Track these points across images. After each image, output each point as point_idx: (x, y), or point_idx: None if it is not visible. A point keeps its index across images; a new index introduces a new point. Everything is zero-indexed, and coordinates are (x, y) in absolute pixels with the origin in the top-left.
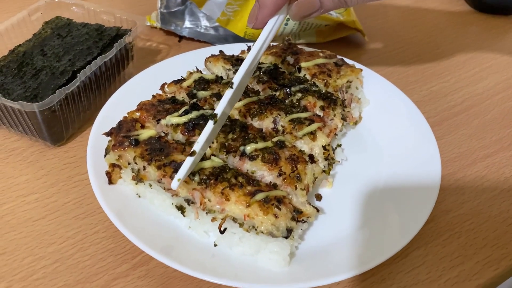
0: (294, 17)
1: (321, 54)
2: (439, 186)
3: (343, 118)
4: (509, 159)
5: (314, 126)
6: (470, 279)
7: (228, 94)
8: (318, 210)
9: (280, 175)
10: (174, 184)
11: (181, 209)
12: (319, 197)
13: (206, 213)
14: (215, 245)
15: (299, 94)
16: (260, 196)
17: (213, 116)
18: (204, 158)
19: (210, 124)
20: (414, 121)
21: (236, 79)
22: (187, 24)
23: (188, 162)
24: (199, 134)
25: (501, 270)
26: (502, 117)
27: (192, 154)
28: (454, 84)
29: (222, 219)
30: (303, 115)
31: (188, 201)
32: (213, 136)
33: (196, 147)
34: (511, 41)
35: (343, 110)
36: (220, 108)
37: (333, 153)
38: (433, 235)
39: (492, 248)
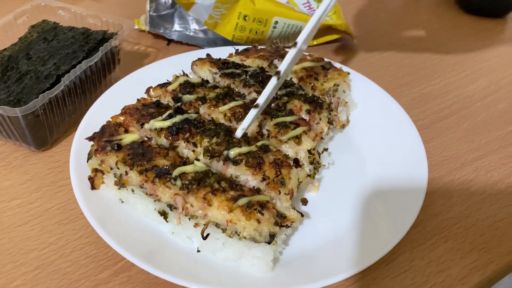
0: None
1: (308, 58)
2: (426, 190)
3: (330, 122)
4: (498, 162)
5: (299, 130)
6: (456, 284)
7: (291, 53)
8: (302, 215)
9: (264, 179)
10: (239, 132)
11: (163, 214)
12: (304, 202)
13: (189, 218)
14: (198, 251)
15: (285, 98)
16: (242, 201)
17: (277, 73)
18: (186, 162)
19: (273, 80)
20: (402, 125)
21: (300, 38)
22: (176, 27)
23: (252, 114)
24: (182, 139)
25: (488, 275)
26: (492, 120)
27: (256, 106)
28: (443, 86)
29: (204, 224)
30: (288, 119)
31: (171, 207)
32: (274, 92)
33: (260, 100)
34: (501, 43)
35: (330, 114)
36: (284, 65)
37: (319, 157)
38: (420, 239)
39: (479, 252)
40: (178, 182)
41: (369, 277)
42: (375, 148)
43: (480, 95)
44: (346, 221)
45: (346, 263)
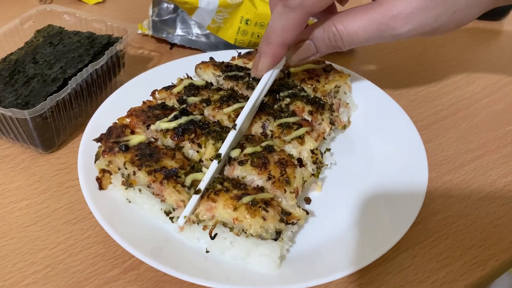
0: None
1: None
2: (426, 188)
3: (331, 123)
4: (496, 162)
5: (302, 131)
6: (457, 280)
7: (231, 135)
8: (307, 213)
9: (269, 179)
10: (181, 221)
11: (169, 214)
12: (308, 200)
13: (197, 223)
14: (207, 251)
15: (288, 99)
16: (246, 199)
17: (217, 156)
18: (194, 166)
19: (214, 164)
20: (402, 125)
21: (239, 121)
22: (179, 31)
23: (194, 200)
24: (188, 139)
25: (488, 270)
26: (489, 120)
27: (198, 192)
28: (442, 88)
29: (212, 225)
30: (291, 119)
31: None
32: (217, 173)
33: (202, 185)
34: (499, 45)
35: (331, 115)
36: (223, 148)
37: (322, 157)
38: (421, 236)
39: (479, 249)
40: (192, 191)
41: (373, 273)
42: (376, 148)
43: (477, 96)
44: (349, 219)
45: (350, 259)
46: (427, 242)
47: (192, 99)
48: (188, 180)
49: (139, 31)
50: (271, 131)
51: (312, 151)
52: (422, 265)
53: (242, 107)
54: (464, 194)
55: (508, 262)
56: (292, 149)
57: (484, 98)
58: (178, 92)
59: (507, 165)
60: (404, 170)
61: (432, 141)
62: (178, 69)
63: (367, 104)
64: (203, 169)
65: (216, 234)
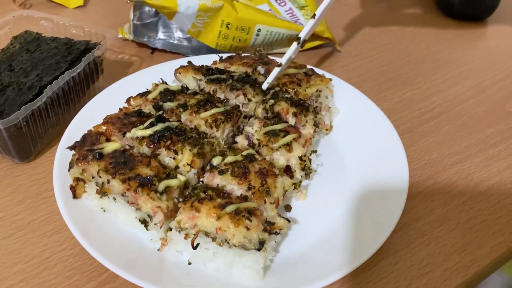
0: None
1: (291, 64)
2: (408, 194)
3: (315, 125)
4: (478, 165)
5: (289, 138)
6: (439, 287)
7: (311, 22)
8: (289, 221)
9: (249, 189)
10: (264, 85)
11: (144, 222)
12: (288, 208)
13: (179, 231)
14: (189, 263)
15: (272, 101)
16: (230, 208)
17: (298, 39)
18: (170, 174)
19: (294, 45)
20: (383, 130)
21: (319, 11)
22: (160, 35)
23: (276, 71)
24: (164, 147)
25: (469, 277)
26: (473, 123)
27: (280, 65)
28: (425, 90)
29: (194, 234)
30: (277, 127)
31: (151, 217)
32: (294, 55)
33: (283, 60)
34: (482, 47)
35: (315, 117)
36: (304, 32)
37: (310, 163)
38: (402, 243)
39: (461, 255)
40: (164, 197)
41: (353, 281)
42: (358, 154)
43: (460, 98)
44: (331, 227)
45: (330, 268)
46: (408, 249)
47: (168, 105)
48: (161, 186)
49: (120, 36)
50: (258, 139)
51: (300, 158)
52: (403, 272)
53: (219, 112)
54: (446, 199)
55: (490, 268)
56: (280, 157)
57: (468, 100)
58: (153, 98)
59: (489, 168)
60: (385, 176)
61: (415, 145)
62: (159, 75)
63: (348, 109)
64: (179, 176)
65: (198, 244)
